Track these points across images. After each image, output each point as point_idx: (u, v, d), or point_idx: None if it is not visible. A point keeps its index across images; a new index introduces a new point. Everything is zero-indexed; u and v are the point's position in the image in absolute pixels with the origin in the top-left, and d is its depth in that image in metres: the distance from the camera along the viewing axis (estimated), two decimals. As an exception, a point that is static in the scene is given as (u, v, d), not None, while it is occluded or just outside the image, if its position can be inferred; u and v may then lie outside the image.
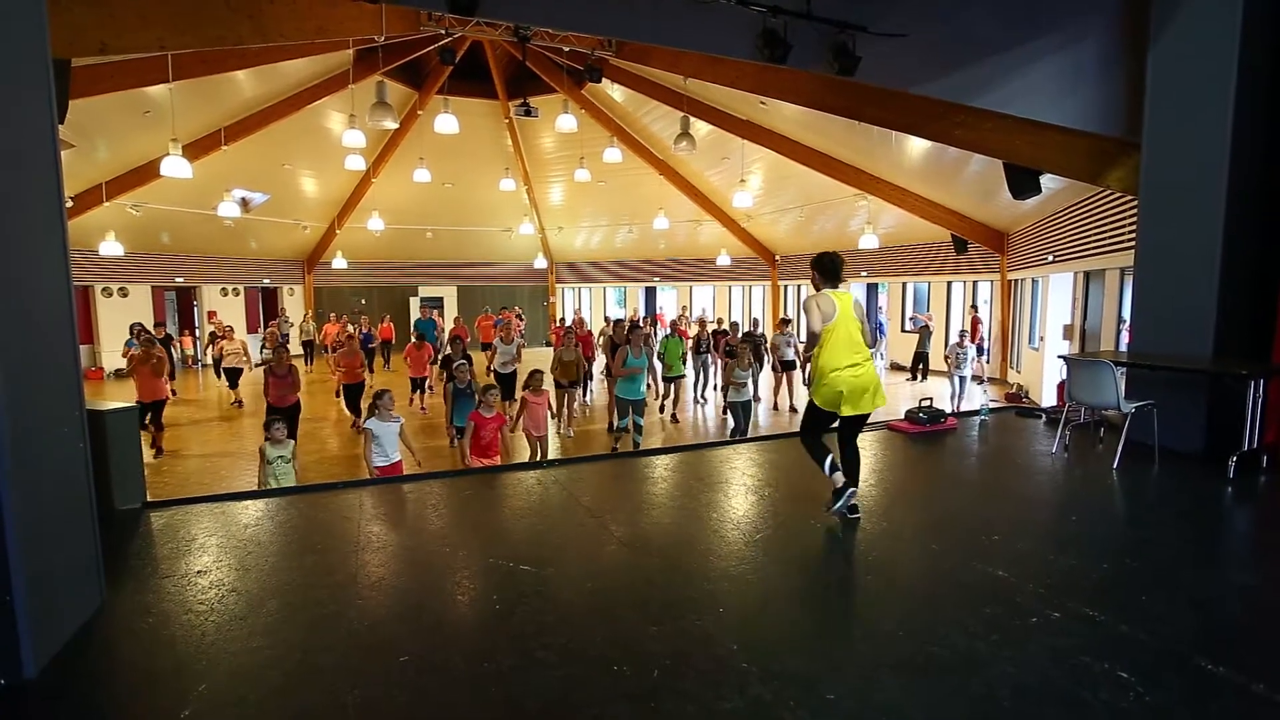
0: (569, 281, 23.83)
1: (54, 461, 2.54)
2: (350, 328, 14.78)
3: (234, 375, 12.00)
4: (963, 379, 10.43)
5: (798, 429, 4.07)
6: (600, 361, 12.22)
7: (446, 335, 14.65)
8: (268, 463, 5.29)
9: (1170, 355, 5.06)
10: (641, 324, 11.42)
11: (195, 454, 8.53)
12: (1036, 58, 5.63)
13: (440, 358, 10.76)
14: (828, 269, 3.85)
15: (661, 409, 10.45)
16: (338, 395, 10.59)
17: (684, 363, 10.40)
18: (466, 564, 3.26)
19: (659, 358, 10.28)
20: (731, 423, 8.33)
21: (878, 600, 2.92)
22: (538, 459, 6.29)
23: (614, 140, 14.24)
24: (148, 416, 8.25)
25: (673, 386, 10.41)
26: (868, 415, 3.75)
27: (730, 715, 2.05)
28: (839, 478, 3.69)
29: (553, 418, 7.98)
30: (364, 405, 8.37)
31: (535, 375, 6.88)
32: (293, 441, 5.66)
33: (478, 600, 2.89)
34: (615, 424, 7.84)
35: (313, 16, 7.34)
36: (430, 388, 11.34)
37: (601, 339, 12.58)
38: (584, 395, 11.33)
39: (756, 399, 11.49)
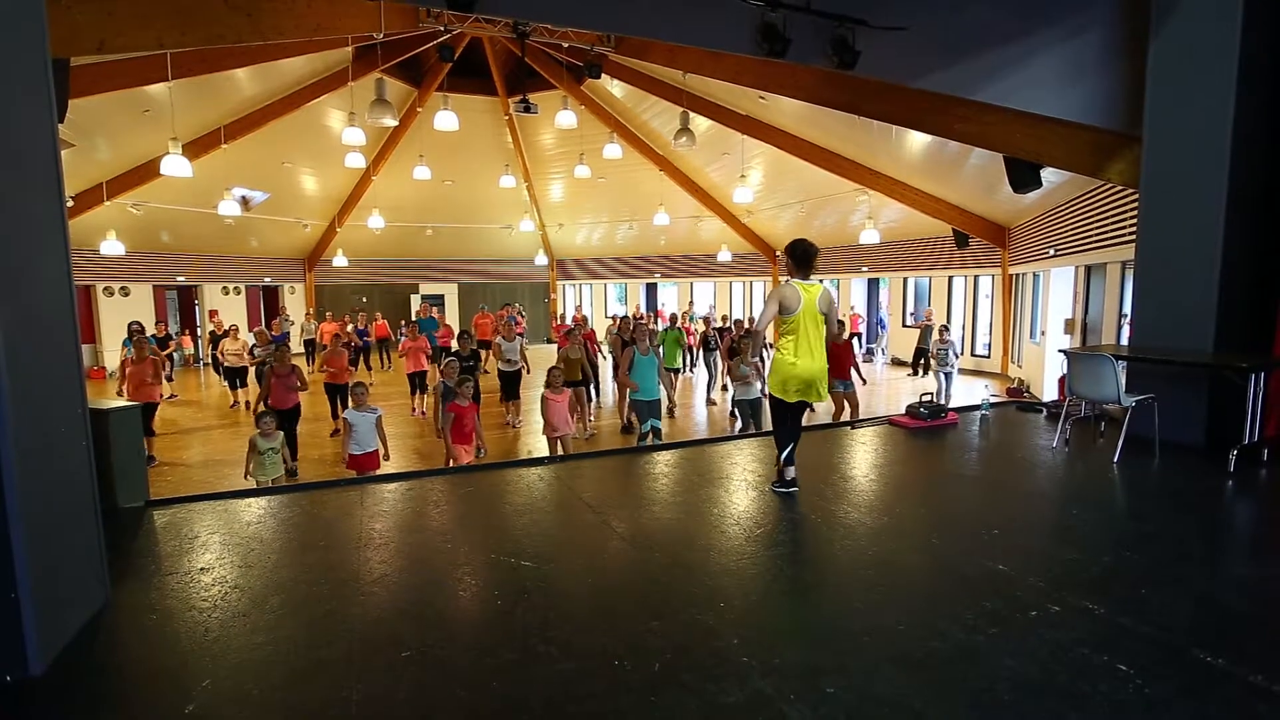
0: (570, 278, 23.83)
1: (57, 460, 2.55)
2: (350, 327, 14.79)
3: (236, 375, 11.68)
4: (948, 375, 10.32)
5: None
6: (604, 359, 12.20)
7: (442, 331, 14.63)
8: (259, 453, 5.51)
9: (1171, 349, 5.06)
10: (644, 319, 11.41)
11: (196, 455, 8.54)
12: (1037, 51, 5.61)
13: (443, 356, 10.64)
14: (799, 258, 3.85)
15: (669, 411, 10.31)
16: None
17: (680, 357, 10.37)
18: (468, 560, 3.28)
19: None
20: (740, 424, 8.14)
21: (878, 594, 2.93)
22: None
23: (614, 136, 14.21)
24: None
25: (671, 378, 10.34)
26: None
27: (731, 708, 2.06)
28: (792, 471, 4.12)
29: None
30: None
31: (553, 372, 6.79)
32: (281, 434, 5.72)
33: (479, 596, 2.90)
34: (636, 426, 7.55)
35: (311, 14, 7.34)
36: (434, 387, 11.19)
37: (608, 337, 12.55)
38: (595, 394, 11.23)
39: (764, 395, 11.50)
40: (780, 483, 4.17)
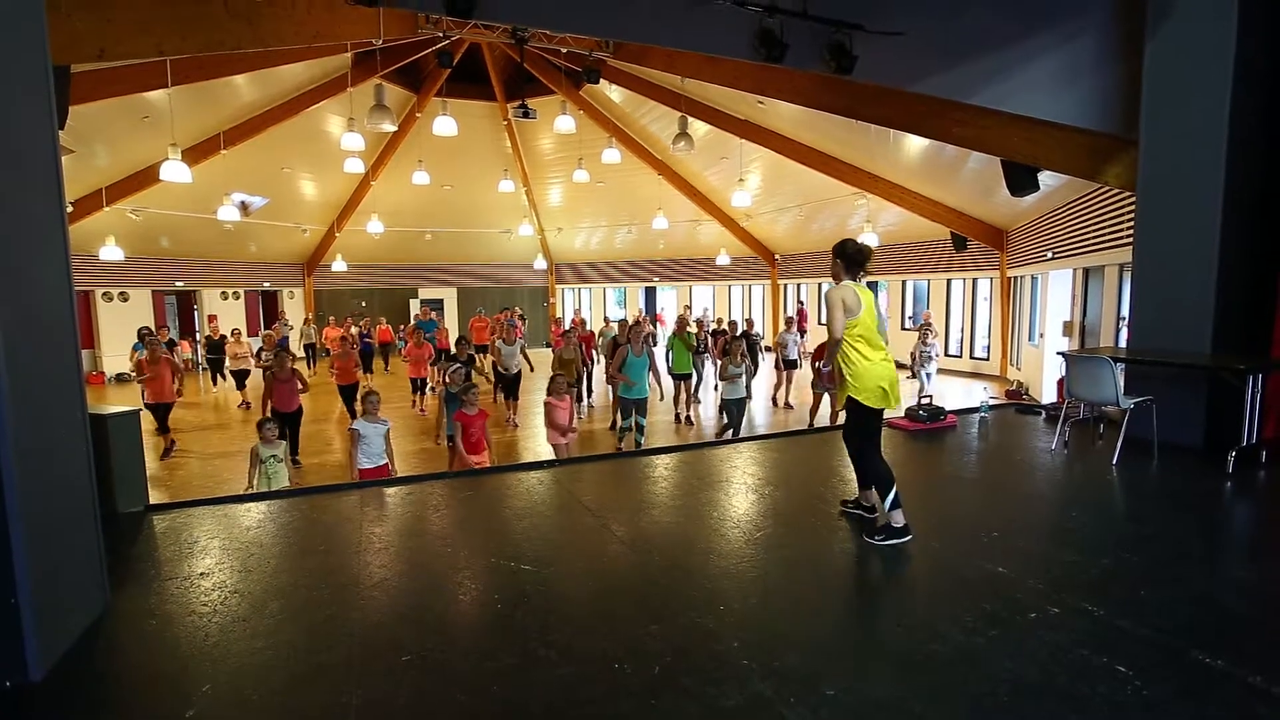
0: (569, 282, 23.84)
1: (57, 465, 2.56)
2: (354, 330, 14.87)
3: (241, 377, 12.12)
4: (929, 375, 10.54)
5: (845, 436, 3.72)
6: (601, 363, 12.21)
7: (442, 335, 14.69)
8: (261, 462, 5.36)
9: (1169, 351, 5.07)
10: (641, 322, 11.38)
11: (196, 457, 8.55)
12: (1033, 54, 5.64)
13: (444, 358, 10.69)
14: (853, 259, 3.62)
15: (678, 418, 10.17)
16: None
17: (690, 363, 10.38)
18: (468, 564, 3.28)
19: (666, 357, 10.24)
20: (727, 421, 8.30)
21: (878, 597, 2.93)
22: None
23: (612, 141, 14.24)
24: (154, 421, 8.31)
25: (682, 385, 10.24)
26: None
27: (731, 712, 2.06)
28: (900, 515, 3.41)
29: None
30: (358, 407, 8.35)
31: (558, 379, 6.74)
32: (284, 442, 5.70)
33: (479, 600, 2.90)
34: (619, 424, 7.81)
35: (310, 21, 7.35)
36: (432, 389, 11.30)
37: (602, 340, 12.57)
38: (588, 396, 11.27)
39: (770, 398, 11.56)
40: (887, 531, 3.41)
